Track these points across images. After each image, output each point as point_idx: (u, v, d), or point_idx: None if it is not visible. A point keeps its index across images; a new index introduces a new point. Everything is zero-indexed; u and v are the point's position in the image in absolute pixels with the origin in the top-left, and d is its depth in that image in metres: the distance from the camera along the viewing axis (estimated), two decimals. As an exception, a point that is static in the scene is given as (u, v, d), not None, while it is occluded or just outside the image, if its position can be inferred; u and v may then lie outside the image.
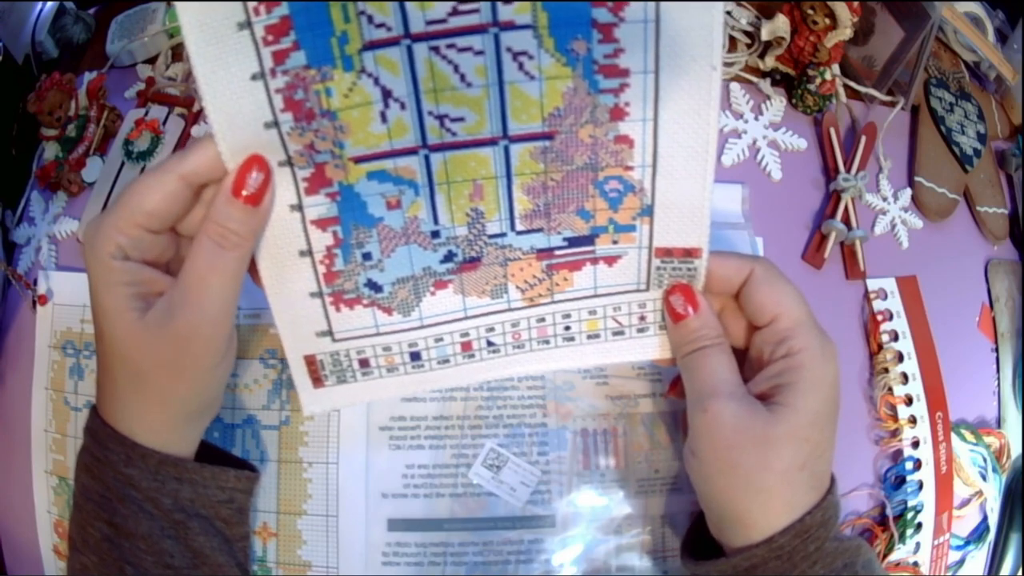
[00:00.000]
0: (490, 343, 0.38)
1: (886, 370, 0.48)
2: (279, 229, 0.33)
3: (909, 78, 0.54)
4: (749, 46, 0.54)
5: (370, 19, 0.29)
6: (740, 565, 0.32)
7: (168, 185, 0.31)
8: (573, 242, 0.35)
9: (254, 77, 0.30)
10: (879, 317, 0.49)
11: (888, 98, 0.55)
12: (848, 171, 0.51)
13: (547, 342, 0.38)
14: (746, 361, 0.36)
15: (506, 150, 0.32)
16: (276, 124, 0.30)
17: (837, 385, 0.34)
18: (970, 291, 0.54)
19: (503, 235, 0.35)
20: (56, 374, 0.47)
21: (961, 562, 0.49)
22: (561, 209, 0.34)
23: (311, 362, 0.37)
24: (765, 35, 0.52)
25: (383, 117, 0.31)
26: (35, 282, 0.48)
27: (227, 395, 0.43)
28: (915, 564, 0.46)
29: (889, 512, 0.46)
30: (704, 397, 0.33)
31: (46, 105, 0.50)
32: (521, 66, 0.30)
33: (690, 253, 0.35)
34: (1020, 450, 0.51)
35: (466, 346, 0.38)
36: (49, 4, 0.56)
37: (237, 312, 0.35)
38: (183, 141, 0.49)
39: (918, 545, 0.46)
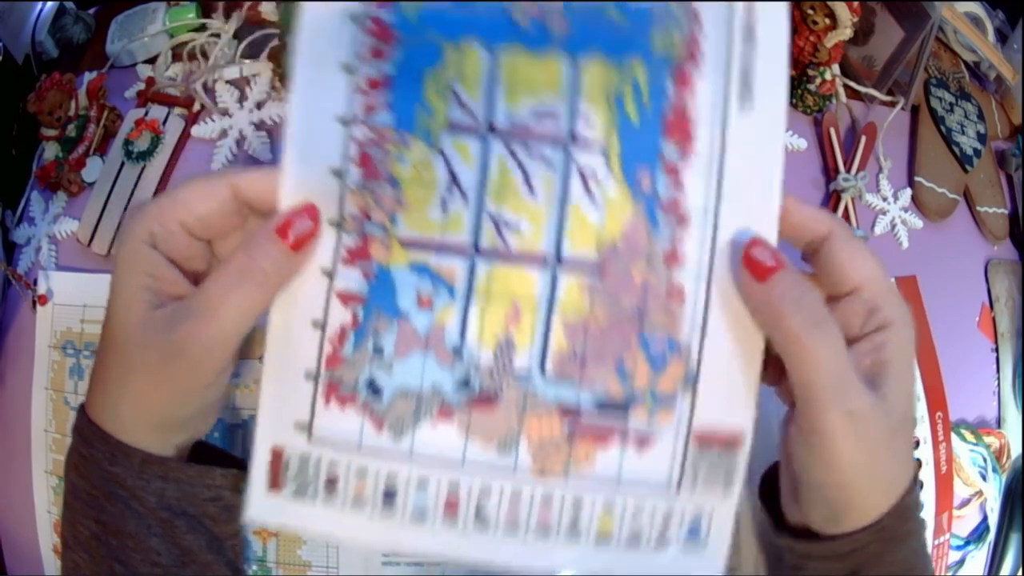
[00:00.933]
0: (479, 512, 0.32)
1: (886, 370, 0.48)
2: (303, 290, 0.31)
3: (909, 78, 0.54)
4: (749, 46, 0.54)
5: (458, 98, 0.30)
6: (842, 549, 0.31)
7: (218, 189, 0.30)
8: (604, 407, 0.31)
9: (341, 120, 0.30)
10: (879, 317, 0.49)
11: (888, 98, 0.55)
12: (848, 171, 0.51)
13: (546, 534, 0.32)
14: None
15: (554, 277, 0.31)
16: (342, 174, 0.31)
17: None
18: (970, 291, 0.54)
19: (528, 374, 0.31)
20: (56, 374, 0.47)
21: (961, 562, 0.49)
22: (598, 360, 0.31)
23: (277, 457, 0.32)
24: (765, 35, 0.52)
25: (443, 205, 0.31)
26: (35, 282, 0.48)
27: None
28: (915, 564, 0.46)
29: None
30: (840, 392, 0.29)
31: (46, 105, 0.50)
32: (587, 188, 0.31)
33: (731, 443, 0.31)
34: (1020, 450, 0.51)
35: (451, 505, 0.32)
36: (49, 4, 0.56)
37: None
38: (183, 141, 0.49)
39: (918, 545, 0.46)
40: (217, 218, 0.31)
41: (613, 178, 0.31)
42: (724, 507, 0.31)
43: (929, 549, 0.46)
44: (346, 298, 0.31)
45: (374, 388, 0.32)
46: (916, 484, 0.32)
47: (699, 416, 0.31)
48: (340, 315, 0.31)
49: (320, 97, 0.30)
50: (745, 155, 0.31)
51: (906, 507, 0.31)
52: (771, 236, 0.31)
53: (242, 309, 0.30)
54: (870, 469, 0.30)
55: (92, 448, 0.32)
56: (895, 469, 0.31)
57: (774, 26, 0.31)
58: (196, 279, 0.32)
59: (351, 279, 0.31)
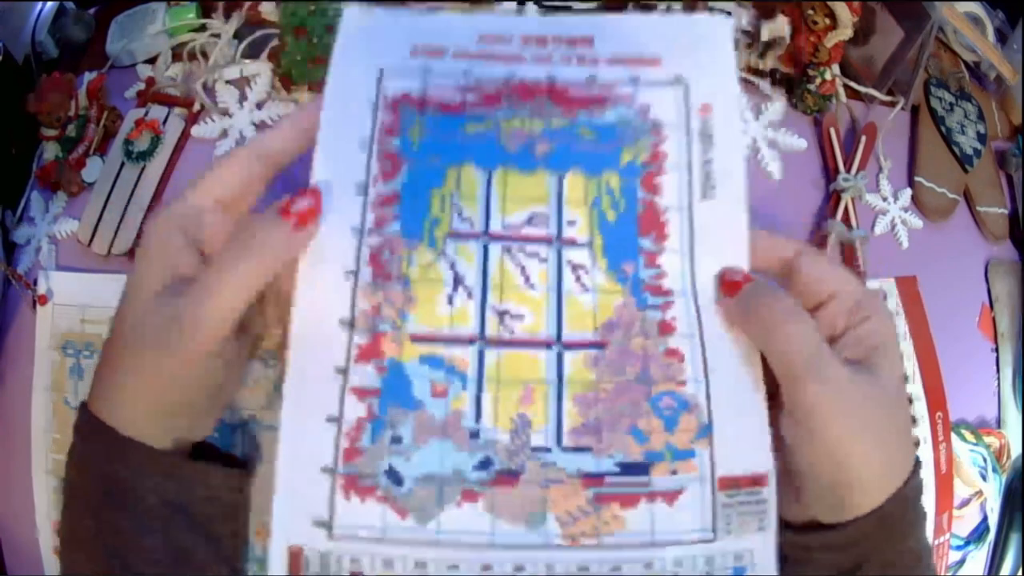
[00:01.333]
0: None
1: (886, 370, 0.48)
2: (316, 389, 0.32)
3: (909, 78, 0.54)
4: (749, 46, 0.54)
5: (460, 212, 0.34)
6: (847, 536, 0.31)
7: (244, 159, 0.34)
8: (626, 469, 0.32)
9: (353, 230, 0.33)
10: (879, 317, 0.49)
11: (888, 98, 0.55)
12: (848, 171, 0.51)
13: None
14: None
15: (559, 356, 0.33)
16: (356, 274, 0.33)
17: None
18: (970, 291, 0.54)
19: (548, 450, 0.32)
20: (56, 374, 0.47)
21: (961, 562, 0.49)
22: (612, 426, 0.32)
23: (295, 557, 0.31)
24: (765, 35, 0.52)
25: (450, 301, 0.33)
26: (35, 282, 0.48)
27: (227, 395, 0.42)
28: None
29: (889, 512, 0.46)
30: (813, 365, 0.30)
31: (46, 105, 0.50)
32: (578, 278, 0.34)
33: (757, 481, 0.32)
34: (1020, 450, 0.51)
35: None
36: (49, 4, 0.56)
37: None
38: (183, 141, 0.49)
39: (918, 545, 0.46)
40: (248, 183, 0.34)
41: (600, 270, 0.34)
42: (763, 543, 0.32)
43: (931, 547, 0.46)
44: (361, 393, 0.32)
45: (395, 477, 0.31)
46: (918, 472, 0.32)
47: (720, 463, 0.32)
48: (356, 409, 0.32)
49: (336, 212, 0.33)
50: (713, 235, 0.34)
51: (907, 495, 0.31)
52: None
53: (241, 282, 0.30)
54: (861, 443, 0.30)
55: (91, 445, 0.32)
56: (893, 450, 0.31)
57: (727, 127, 0.35)
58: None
59: (365, 375, 0.32)
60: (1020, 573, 0.51)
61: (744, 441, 0.32)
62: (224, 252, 0.31)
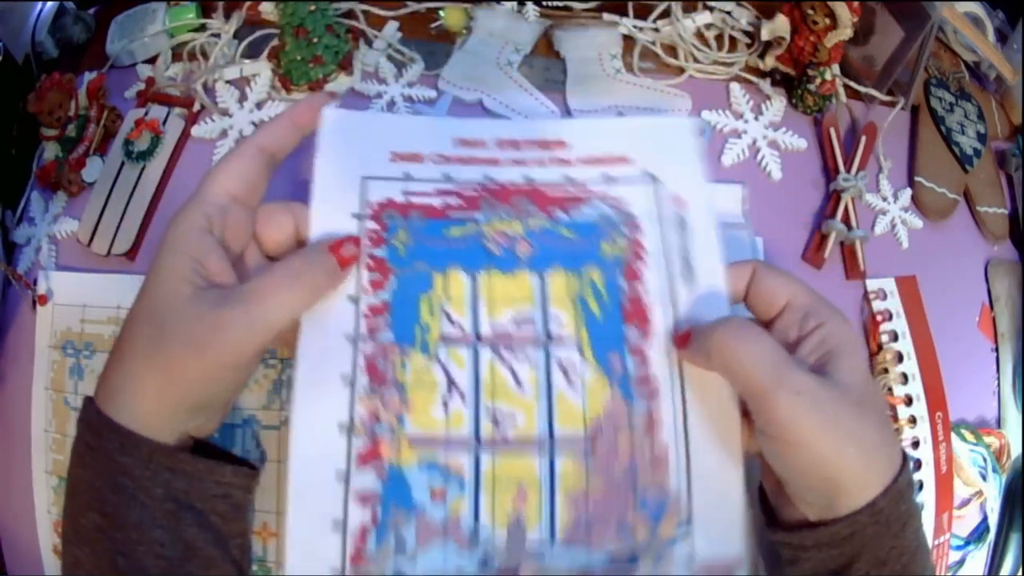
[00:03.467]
0: None
1: (886, 370, 0.48)
2: (319, 493, 0.33)
3: (909, 78, 0.54)
4: (749, 46, 0.54)
5: (448, 317, 0.36)
6: (840, 533, 0.31)
7: (249, 152, 0.35)
8: (615, 562, 0.34)
9: (348, 338, 0.35)
10: (879, 317, 0.49)
11: (888, 98, 0.55)
12: (848, 171, 0.51)
13: None
14: None
15: (551, 458, 0.35)
16: (353, 383, 0.34)
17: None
18: (970, 291, 0.54)
19: (541, 546, 0.34)
20: (56, 374, 0.47)
21: (961, 562, 0.49)
22: (602, 523, 0.34)
23: None
24: (765, 35, 0.52)
25: (444, 405, 0.35)
26: (35, 282, 0.48)
27: (227, 395, 0.43)
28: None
29: (889, 512, 0.46)
30: (777, 377, 0.31)
31: (46, 105, 0.50)
32: (567, 376, 0.35)
33: (733, 567, 0.34)
34: (1020, 450, 0.51)
35: None
36: (49, 4, 0.56)
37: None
38: (183, 141, 0.49)
39: (918, 545, 0.46)
40: (257, 177, 0.35)
41: (588, 366, 0.35)
42: None
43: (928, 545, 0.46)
44: (364, 498, 0.33)
45: None
46: (907, 465, 0.32)
47: (700, 551, 0.34)
48: (359, 515, 0.33)
49: (326, 321, 0.35)
50: (695, 318, 0.36)
51: (900, 489, 0.31)
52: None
53: (288, 305, 0.33)
54: (842, 445, 0.31)
55: (100, 438, 0.32)
56: (872, 447, 0.31)
57: (699, 213, 0.37)
58: (236, 265, 0.35)
59: (366, 480, 0.34)
60: (1020, 573, 0.51)
61: (722, 530, 0.34)
62: (275, 271, 0.33)
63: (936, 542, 0.47)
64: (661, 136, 0.39)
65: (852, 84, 0.55)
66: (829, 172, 0.52)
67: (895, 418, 0.47)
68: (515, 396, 0.35)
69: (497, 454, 0.35)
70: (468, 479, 0.34)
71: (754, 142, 0.51)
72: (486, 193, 0.38)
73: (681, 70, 0.53)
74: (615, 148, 0.39)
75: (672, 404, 0.35)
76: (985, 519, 0.50)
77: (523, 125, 0.40)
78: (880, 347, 0.48)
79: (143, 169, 0.48)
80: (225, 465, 0.34)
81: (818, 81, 0.51)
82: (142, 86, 0.52)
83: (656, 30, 0.53)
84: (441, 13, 0.52)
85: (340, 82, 0.49)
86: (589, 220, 0.37)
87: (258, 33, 0.51)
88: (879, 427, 0.32)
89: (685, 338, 0.34)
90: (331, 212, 0.36)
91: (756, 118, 0.52)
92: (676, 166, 0.38)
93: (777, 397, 0.30)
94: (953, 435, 0.48)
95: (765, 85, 0.53)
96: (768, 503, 0.36)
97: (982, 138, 0.58)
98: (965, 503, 0.49)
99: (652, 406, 0.35)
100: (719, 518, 0.34)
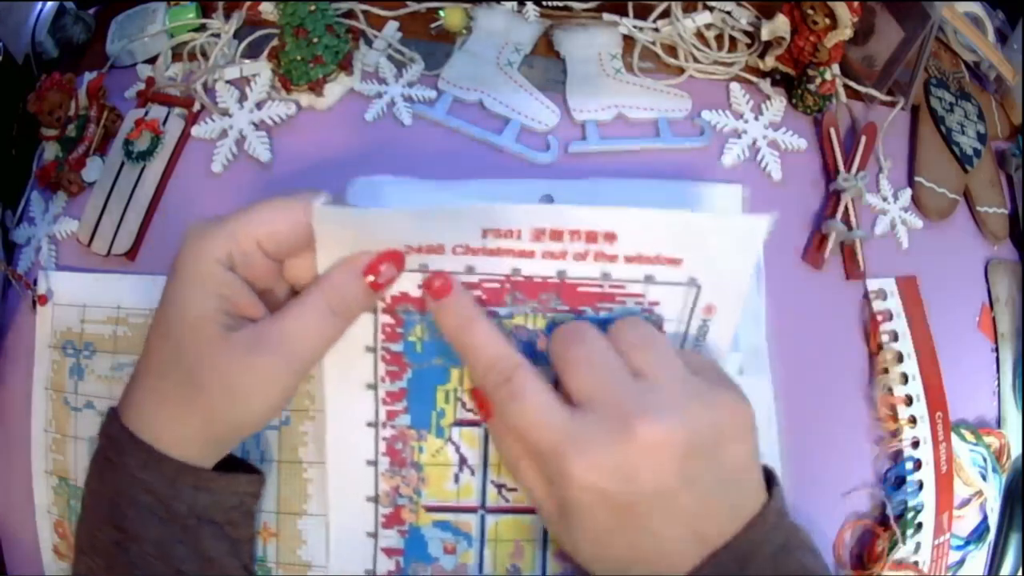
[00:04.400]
0: None
1: (886, 370, 0.48)
2: (351, 552, 0.40)
3: (909, 78, 0.54)
4: (749, 46, 0.54)
5: (463, 404, 0.38)
6: None
7: (296, 214, 0.32)
8: None
9: (369, 424, 0.38)
10: (879, 317, 0.49)
11: (888, 98, 0.55)
12: (848, 171, 0.51)
13: None
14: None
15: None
16: (376, 464, 0.39)
17: None
18: (970, 291, 0.54)
19: None
20: (56, 374, 0.47)
21: (961, 562, 0.49)
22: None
23: None
24: (765, 35, 0.52)
25: (456, 479, 0.39)
26: (35, 282, 0.48)
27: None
28: (915, 564, 0.46)
29: (890, 512, 0.46)
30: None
31: (46, 105, 0.50)
32: None
33: None
34: (1020, 450, 0.51)
35: None
36: (49, 4, 0.56)
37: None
38: (183, 141, 0.49)
39: (918, 545, 0.46)
40: (292, 237, 0.33)
41: None
42: None
43: (929, 549, 0.46)
44: (389, 552, 0.40)
45: None
46: (749, 533, 0.31)
47: None
48: (386, 564, 0.40)
49: (352, 409, 0.38)
50: None
51: (722, 560, 0.30)
52: None
53: (322, 343, 0.33)
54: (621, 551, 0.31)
55: (123, 454, 0.32)
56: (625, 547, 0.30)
57: (724, 326, 0.36)
58: (265, 298, 0.34)
59: (391, 538, 0.40)
60: (1020, 573, 0.51)
61: None
62: (304, 309, 0.32)
63: (936, 542, 0.47)
64: (725, 240, 0.34)
65: (852, 84, 0.55)
66: (829, 172, 0.52)
67: (895, 418, 0.47)
68: None
69: (499, 517, 0.40)
70: (475, 536, 0.40)
71: (754, 142, 0.51)
72: (512, 287, 0.35)
73: (681, 70, 0.53)
74: (669, 247, 0.34)
75: None
76: (985, 519, 0.50)
77: (569, 213, 0.33)
78: (880, 347, 0.48)
79: (143, 169, 0.48)
80: (241, 476, 0.35)
81: (818, 81, 0.51)
82: (142, 86, 0.52)
83: (656, 30, 0.53)
84: (441, 13, 0.52)
85: (340, 82, 0.49)
86: (614, 317, 0.35)
87: (258, 33, 0.51)
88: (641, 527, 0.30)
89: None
90: None
91: (756, 118, 0.52)
92: (726, 276, 0.35)
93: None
94: (953, 435, 0.48)
95: (765, 85, 0.53)
96: None
97: (982, 138, 0.58)
98: (965, 503, 0.49)
99: None
100: None
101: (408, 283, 0.35)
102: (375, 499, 0.40)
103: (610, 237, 0.33)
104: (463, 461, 0.39)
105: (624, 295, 0.35)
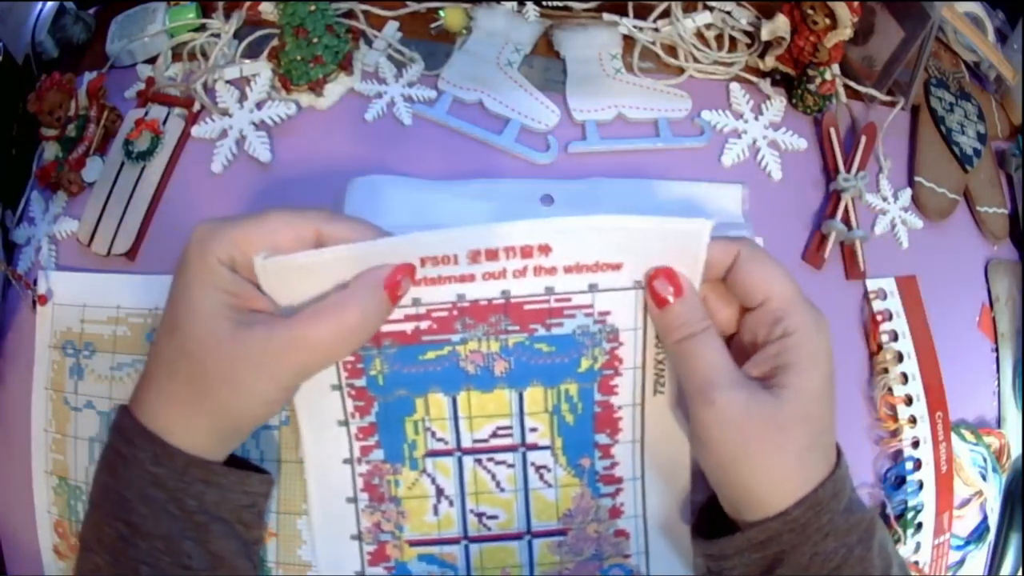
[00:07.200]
0: None
1: (886, 370, 0.48)
2: None
3: (909, 78, 0.54)
4: (749, 46, 0.54)
5: (433, 434, 0.38)
6: (755, 538, 0.32)
7: (303, 231, 0.33)
8: None
9: (345, 461, 0.39)
10: (879, 317, 0.49)
11: (888, 98, 0.55)
12: (848, 171, 0.51)
13: None
14: (734, 345, 0.36)
15: (529, 544, 0.40)
16: (355, 500, 0.39)
17: (832, 358, 0.34)
18: (970, 291, 0.54)
19: None
20: (56, 374, 0.47)
21: (961, 562, 0.49)
22: None
23: None
24: (765, 35, 0.52)
25: (435, 510, 0.39)
26: (35, 282, 0.48)
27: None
28: (915, 563, 0.46)
29: (890, 512, 0.46)
30: (706, 388, 0.33)
31: (46, 105, 0.50)
32: (542, 477, 0.39)
33: None
34: (1020, 450, 0.51)
35: None
36: (49, 4, 0.56)
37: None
38: (183, 141, 0.49)
39: (918, 545, 0.46)
40: (295, 250, 0.33)
41: (561, 467, 0.39)
42: None
43: (929, 549, 0.46)
44: None
45: None
46: (837, 480, 0.33)
47: None
48: None
49: (327, 449, 0.38)
50: (661, 425, 0.38)
51: (820, 499, 0.32)
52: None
53: (338, 339, 0.33)
54: (750, 457, 0.32)
55: (134, 447, 0.32)
56: (789, 466, 0.32)
57: None
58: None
59: (379, 573, 0.40)
60: (1020, 573, 0.51)
61: None
62: (319, 310, 0.32)
63: (936, 542, 0.47)
64: (669, 243, 0.34)
65: (852, 84, 0.55)
66: (829, 172, 0.52)
67: (895, 418, 0.47)
68: (496, 496, 0.39)
69: (483, 545, 0.40)
70: (460, 566, 0.40)
71: (754, 142, 0.51)
72: (459, 313, 0.35)
73: (681, 70, 0.53)
74: (607, 253, 0.34)
75: (633, 495, 0.40)
76: (985, 519, 0.50)
77: (501, 231, 0.33)
78: (880, 347, 0.48)
79: (143, 169, 0.48)
80: (252, 475, 0.35)
81: (818, 81, 0.51)
82: (142, 86, 0.52)
83: (656, 30, 0.53)
84: (441, 13, 0.52)
85: (340, 82, 0.49)
86: (568, 333, 0.36)
87: (258, 33, 0.51)
88: (805, 445, 0.32)
89: (664, 302, 0.34)
90: None
91: (756, 118, 0.52)
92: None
93: (696, 403, 0.33)
94: (953, 435, 0.48)
95: (765, 85, 0.53)
96: (704, 519, 0.38)
97: (982, 138, 0.58)
98: (965, 503, 0.49)
99: (616, 501, 0.40)
100: None
101: None
102: (359, 537, 0.40)
103: (544, 249, 0.33)
104: (440, 492, 0.39)
105: (572, 308, 0.35)
